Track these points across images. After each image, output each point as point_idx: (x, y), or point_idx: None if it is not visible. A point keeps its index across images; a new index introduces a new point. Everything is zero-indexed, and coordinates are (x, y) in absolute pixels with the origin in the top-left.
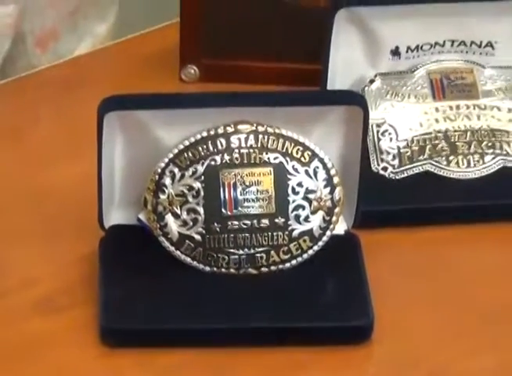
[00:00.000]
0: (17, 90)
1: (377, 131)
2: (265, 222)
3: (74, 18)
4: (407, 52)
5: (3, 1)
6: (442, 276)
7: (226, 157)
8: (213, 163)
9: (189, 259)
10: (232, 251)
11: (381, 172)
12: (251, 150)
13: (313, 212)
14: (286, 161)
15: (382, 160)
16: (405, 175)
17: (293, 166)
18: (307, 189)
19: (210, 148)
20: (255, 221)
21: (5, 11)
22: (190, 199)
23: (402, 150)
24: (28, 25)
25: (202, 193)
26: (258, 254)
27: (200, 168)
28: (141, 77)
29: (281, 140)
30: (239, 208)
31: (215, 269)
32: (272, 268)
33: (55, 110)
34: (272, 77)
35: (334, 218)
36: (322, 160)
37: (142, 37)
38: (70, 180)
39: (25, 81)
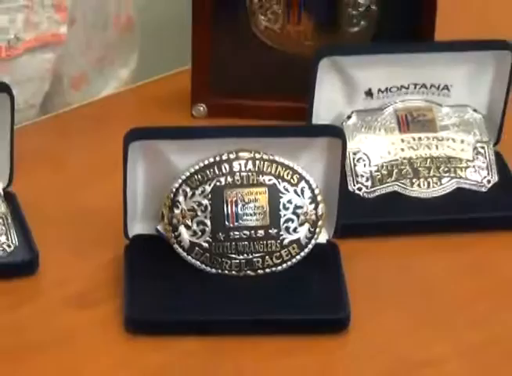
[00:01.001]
0: (56, 124)
1: (353, 158)
2: (261, 232)
3: (102, 64)
4: (378, 93)
5: (44, 50)
6: (407, 278)
7: (229, 179)
8: (218, 183)
9: (198, 263)
10: (233, 256)
11: (357, 192)
12: (250, 173)
13: (300, 224)
14: (279, 182)
15: (357, 181)
16: (377, 194)
17: (284, 186)
18: (295, 205)
19: (216, 171)
20: (253, 231)
21: (45, 57)
22: (199, 213)
23: (373, 174)
24: (65, 69)
25: (209, 209)
26: (255, 259)
27: (208, 188)
28: (159, 113)
29: (274, 165)
30: (240, 221)
31: (220, 271)
32: (267, 270)
33: (87, 140)
34: (266, 114)
35: (318, 230)
36: (308, 182)
37: (159, 81)
38: (100, 198)
39: (62, 117)
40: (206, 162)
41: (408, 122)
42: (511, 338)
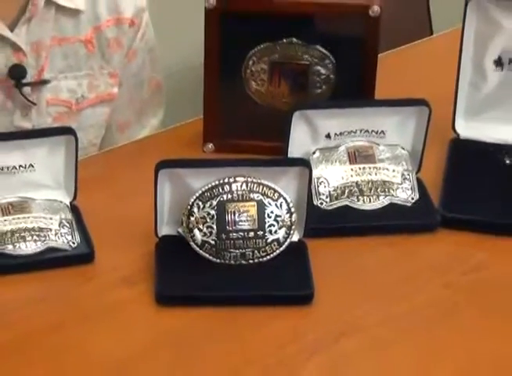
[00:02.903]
0: (108, 157)
1: (317, 181)
2: (252, 233)
3: (139, 115)
4: (334, 136)
5: (101, 105)
6: (354, 266)
7: (229, 196)
8: (221, 199)
9: (207, 255)
10: (232, 250)
11: (319, 205)
12: (244, 192)
13: (279, 228)
14: (264, 198)
15: (319, 198)
16: (333, 207)
17: (268, 201)
18: (276, 215)
19: (220, 190)
20: (246, 233)
21: (102, 110)
22: (208, 220)
23: (331, 193)
24: (114, 118)
25: (215, 217)
26: (247, 252)
27: (214, 202)
28: (179, 149)
29: (261, 186)
30: (236, 226)
31: (222, 261)
32: (256, 260)
33: (129, 168)
34: (256, 150)
35: (292, 232)
36: (285, 198)
37: (180, 127)
38: (138, 209)
39: (112, 152)
40: (213, 184)
41: (355, 156)
42: (424, 310)
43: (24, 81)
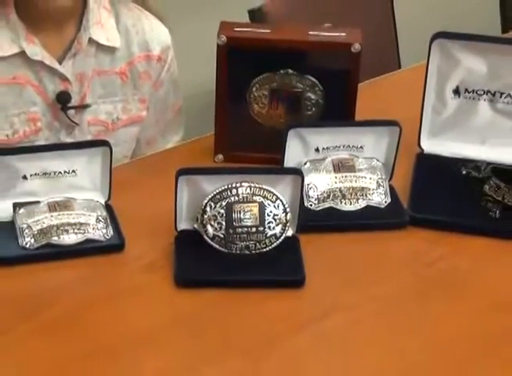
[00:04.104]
0: (137, 165)
1: (307, 187)
2: (254, 229)
3: (164, 132)
4: (322, 150)
5: (133, 125)
6: (338, 256)
7: (236, 198)
8: (229, 200)
9: (217, 246)
10: (237, 242)
11: (309, 206)
12: (248, 195)
13: (277, 225)
14: (264, 200)
15: (309, 200)
16: (320, 208)
17: (267, 203)
18: (274, 214)
19: (228, 193)
20: (249, 228)
21: (133, 129)
22: (218, 218)
23: (319, 196)
24: (142, 135)
25: (224, 215)
26: (250, 245)
27: (224, 203)
28: (195, 159)
29: (262, 190)
30: (242, 222)
31: (229, 251)
32: (257, 251)
33: (154, 174)
34: (258, 160)
35: (286, 228)
36: (281, 200)
37: (195, 141)
38: (161, 207)
39: (141, 161)
40: (222, 188)
41: (339, 167)
42: (395, 294)
43: (69, 105)
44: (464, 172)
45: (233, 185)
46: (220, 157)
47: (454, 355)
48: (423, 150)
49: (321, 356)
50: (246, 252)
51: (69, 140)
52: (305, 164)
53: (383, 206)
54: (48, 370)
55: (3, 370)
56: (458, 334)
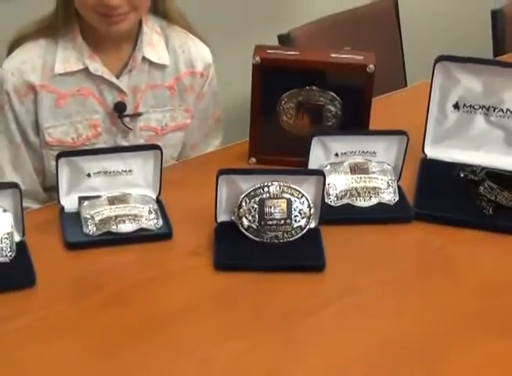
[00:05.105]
0: (182, 167)
1: (328, 186)
2: (282, 221)
3: (205, 137)
4: (341, 154)
5: (179, 131)
6: (355, 245)
7: (267, 195)
8: (262, 197)
9: (251, 236)
10: (268, 233)
11: (329, 203)
12: (277, 192)
13: (302, 218)
14: (292, 197)
15: (329, 197)
16: (339, 204)
17: (294, 199)
18: (300, 209)
19: (261, 191)
20: (278, 221)
21: (179, 135)
22: (252, 211)
23: (338, 194)
24: (186, 140)
25: (257, 209)
26: (279, 235)
27: (257, 199)
28: (232, 162)
29: (290, 188)
30: (272, 216)
31: (261, 240)
32: (285, 240)
33: (198, 175)
34: (287, 163)
35: (310, 221)
36: (306, 197)
37: (233, 146)
38: (204, 202)
39: (185, 163)
40: (256, 186)
41: (355, 169)
42: (403, 277)
43: (125, 113)
44: (462, 175)
45: (265, 184)
46: (253, 159)
47: (450, 327)
48: (426, 155)
49: (338, 329)
50: (275, 241)
51: (124, 143)
52: (326, 166)
53: (392, 203)
54: (109, 337)
55: (72, 337)
56: (453, 309)
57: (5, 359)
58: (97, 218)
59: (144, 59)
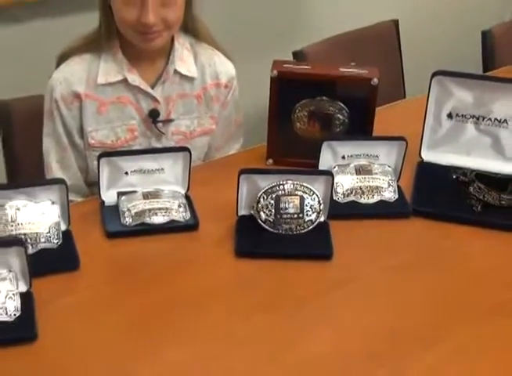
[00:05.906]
0: (208, 167)
1: (336, 185)
2: (295, 215)
3: (228, 141)
4: (347, 157)
5: (205, 135)
6: (359, 238)
7: (282, 192)
8: (278, 194)
9: (268, 227)
10: (283, 225)
11: (337, 200)
12: (291, 190)
13: (313, 213)
14: (304, 194)
15: (337, 195)
16: (345, 201)
17: (306, 196)
18: (311, 204)
19: (277, 188)
20: (292, 215)
21: (205, 138)
22: (269, 206)
23: (344, 192)
24: (211, 143)
25: (274, 205)
26: (293, 227)
27: (273, 195)
28: (251, 163)
29: (302, 187)
30: (286, 210)
31: (277, 231)
32: (298, 232)
33: (221, 174)
34: (300, 165)
35: (320, 215)
36: (316, 194)
37: (252, 149)
38: (227, 197)
39: (211, 163)
40: (273, 184)
41: (360, 170)
42: (401, 268)
43: (158, 119)
44: (454, 177)
45: (281, 182)
46: (270, 161)
47: (441, 310)
48: (423, 159)
49: (343, 310)
50: (289, 233)
51: (157, 145)
52: (334, 167)
53: (392, 201)
54: (143, 313)
55: (111, 313)
56: (446, 295)
57: (56, 331)
58: (133, 211)
59: (175, 72)
